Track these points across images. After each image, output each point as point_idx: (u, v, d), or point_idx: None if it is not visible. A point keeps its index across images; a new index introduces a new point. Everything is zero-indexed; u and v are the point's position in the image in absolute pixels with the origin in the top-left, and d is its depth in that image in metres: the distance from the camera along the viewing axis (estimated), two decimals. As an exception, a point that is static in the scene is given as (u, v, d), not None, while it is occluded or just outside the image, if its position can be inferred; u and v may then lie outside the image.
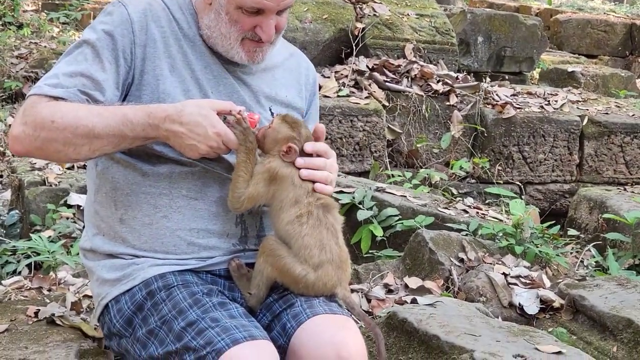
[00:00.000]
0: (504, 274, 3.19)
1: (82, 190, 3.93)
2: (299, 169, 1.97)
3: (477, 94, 5.82)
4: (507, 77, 7.30)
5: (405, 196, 4.08)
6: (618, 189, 5.26)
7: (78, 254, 2.55)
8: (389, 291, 3.12)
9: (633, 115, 6.23)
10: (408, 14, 6.40)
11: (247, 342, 1.77)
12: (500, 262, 3.31)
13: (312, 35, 5.91)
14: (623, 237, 4.06)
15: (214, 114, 1.90)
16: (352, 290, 2.97)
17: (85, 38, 1.99)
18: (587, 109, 6.20)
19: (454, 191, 5.01)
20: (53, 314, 2.36)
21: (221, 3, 1.99)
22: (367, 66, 5.81)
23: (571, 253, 4.17)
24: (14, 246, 3.53)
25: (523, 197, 5.49)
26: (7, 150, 5.21)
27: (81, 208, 3.83)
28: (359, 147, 5.36)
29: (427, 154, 5.66)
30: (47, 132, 1.88)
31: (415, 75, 5.80)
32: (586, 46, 10.61)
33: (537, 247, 3.50)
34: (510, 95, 6.12)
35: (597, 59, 10.37)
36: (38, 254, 3.09)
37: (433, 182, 5.07)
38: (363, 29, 6.05)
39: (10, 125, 5.22)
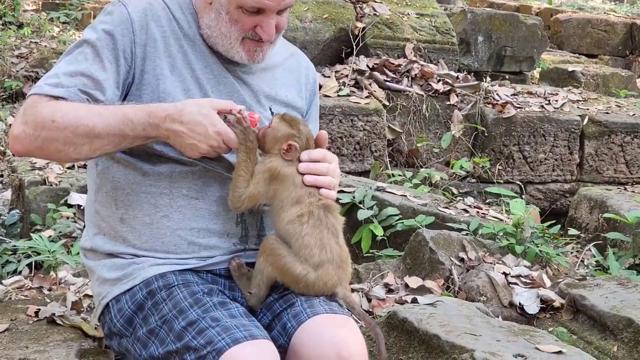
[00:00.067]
0: (504, 273, 3.19)
1: (83, 189, 3.92)
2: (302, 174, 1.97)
3: (477, 93, 5.81)
4: (507, 77, 7.29)
5: (405, 196, 4.08)
6: (618, 188, 5.25)
7: (78, 253, 2.56)
8: (390, 291, 3.12)
9: (633, 114, 6.22)
10: (408, 14, 6.40)
11: (248, 342, 1.77)
12: (500, 262, 3.31)
13: (312, 34, 5.91)
14: (623, 236, 4.06)
15: (215, 113, 1.90)
16: (353, 290, 2.97)
17: (86, 37, 1.99)
18: (588, 109, 6.20)
19: (455, 191, 5.01)
20: (53, 314, 2.36)
21: (221, 2, 1.98)
22: (368, 66, 5.81)
23: (571, 253, 4.17)
24: (15, 246, 3.53)
25: (523, 196, 5.48)
26: (8, 149, 5.21)
27: (81, 207, 3.83)
28: (359, 147, 5.36)
29: (427, 154, 5.66)
30: (48, 132, 1.88)
31: (416, 74, 5.79)
32: (586, 46, 10.61)
33: (538, 246, 3.50)
34: (511, 95, 6.11)
35: (597, 59, 10.36)
36: (38, 254, 3.09)
37: (433, 182, 5.07)
38: (363, 28, 6.05)
39: (10, 124, 5.22)
